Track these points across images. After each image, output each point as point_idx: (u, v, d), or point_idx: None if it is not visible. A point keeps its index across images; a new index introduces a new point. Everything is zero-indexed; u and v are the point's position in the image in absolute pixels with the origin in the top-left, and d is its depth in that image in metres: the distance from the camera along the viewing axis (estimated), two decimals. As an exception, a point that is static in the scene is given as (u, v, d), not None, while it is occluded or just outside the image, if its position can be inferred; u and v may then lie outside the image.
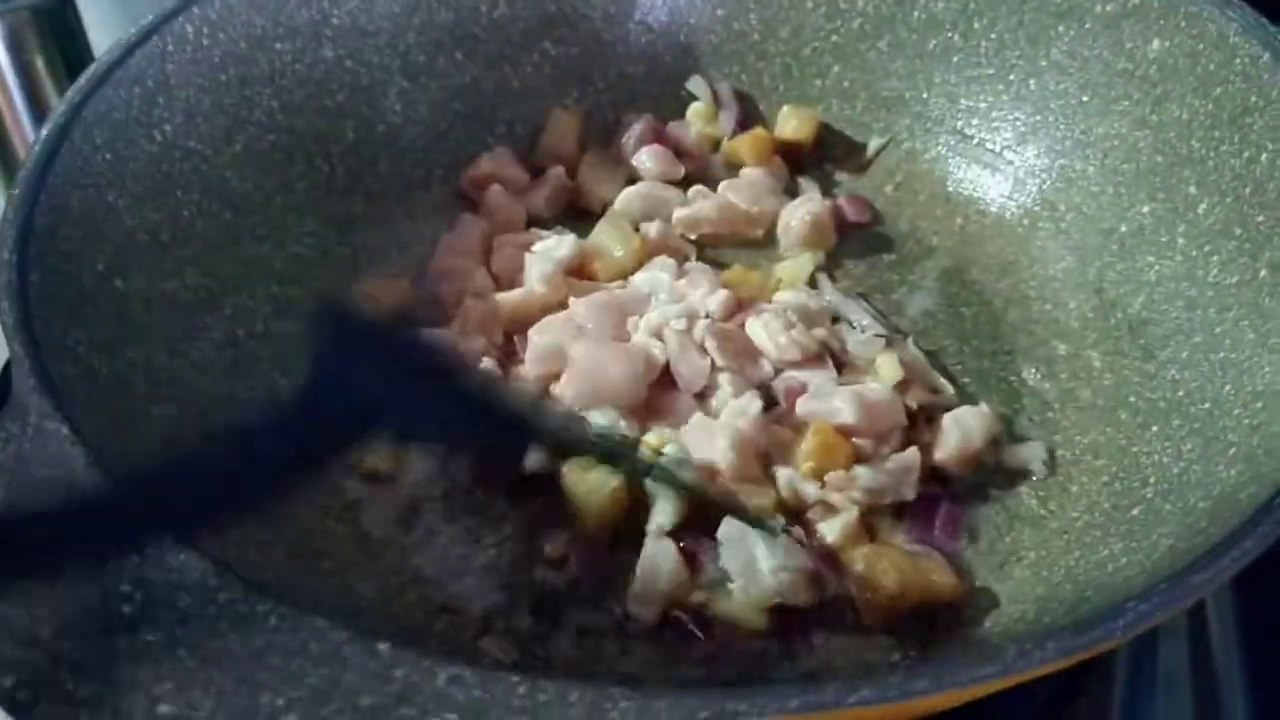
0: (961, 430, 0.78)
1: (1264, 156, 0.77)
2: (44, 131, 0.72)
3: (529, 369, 0.81)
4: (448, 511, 0.76)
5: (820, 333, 0.82)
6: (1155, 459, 0.75)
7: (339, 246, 0.89)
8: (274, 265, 0.84)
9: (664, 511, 0.73)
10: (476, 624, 0.70)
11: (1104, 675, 0.74)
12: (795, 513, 0.74)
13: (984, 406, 0.80)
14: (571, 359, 0.79)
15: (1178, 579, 0.52)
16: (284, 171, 0.87)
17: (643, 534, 0.73)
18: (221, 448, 0.68)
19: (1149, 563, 0.66)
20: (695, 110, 1.00)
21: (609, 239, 0.88)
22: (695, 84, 1.01)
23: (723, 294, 0.83)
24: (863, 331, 0.85)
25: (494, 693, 0.46)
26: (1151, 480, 0.73)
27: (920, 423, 0.79)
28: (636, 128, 0.98)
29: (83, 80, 0.76)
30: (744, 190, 0.94)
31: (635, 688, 0.46)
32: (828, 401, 0.77)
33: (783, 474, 0.75)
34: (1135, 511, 0.72)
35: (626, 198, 0.93)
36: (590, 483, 0.73)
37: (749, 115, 1.01)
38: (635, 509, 0.74)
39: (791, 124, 0.98)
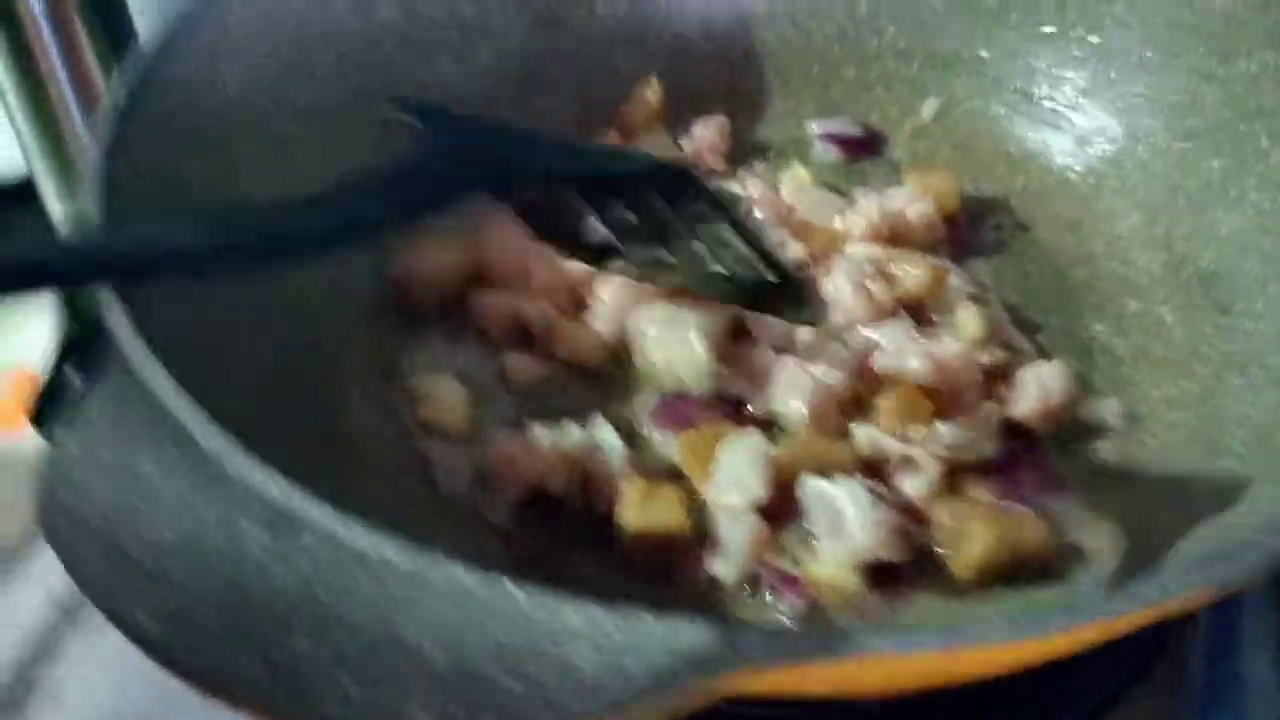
0: (1039, 385, 0.77)
1: (1338, 107, 0.77)
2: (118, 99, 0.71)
3: (599, 325, 0.80)
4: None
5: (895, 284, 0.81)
6: (1236, 410, 0.74)
7: (396, 209, 0.88)
8: (334, 226, 0.83)
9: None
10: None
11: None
12: (875, 471, 0.73)
13: (1059, 362, 0.79)
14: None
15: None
16: (341, 132, 0.86)
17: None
18: None
19: (1248, 515, 0.66)
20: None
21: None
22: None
23: (795, 248, 0.82)
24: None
25: (630, 634, 0.45)
26: (1237, 432, 0.73)
27: (997, 379, 0.78)
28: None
29: (149, 49, 0.75)
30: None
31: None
32: (902, 358, 0.76)
33: (861, 431, 0.74)
34: (1220, 463, 0.72)
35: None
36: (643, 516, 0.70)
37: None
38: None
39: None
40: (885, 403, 0.74)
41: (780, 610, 0.68)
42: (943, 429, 0.73)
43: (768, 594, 0.69)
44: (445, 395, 0.77)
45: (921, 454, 0.73)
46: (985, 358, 0.79)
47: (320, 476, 0.63)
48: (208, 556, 0.45)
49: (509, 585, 0.46)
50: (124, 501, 0.47)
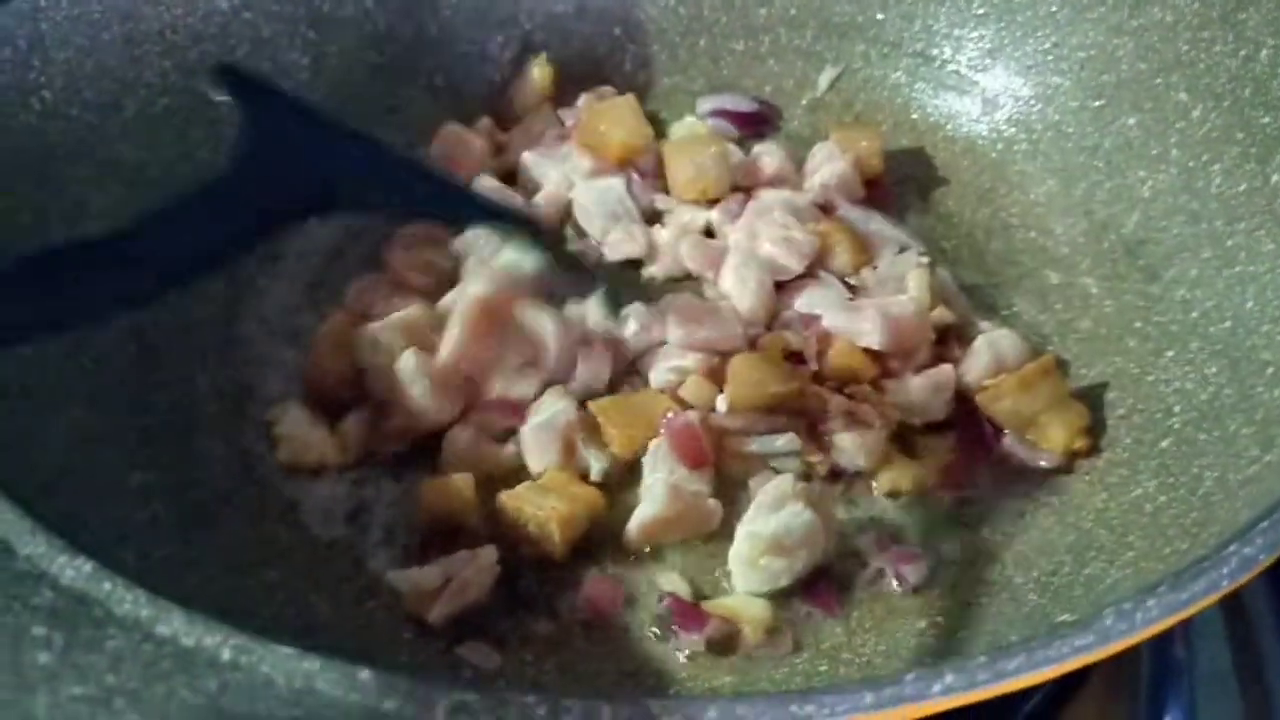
0: (994, 353, 0.72)
1: (1263, 54, 0.71)
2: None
3: None
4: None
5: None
6: (1176, 385, 0.68)
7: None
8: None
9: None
10: (450, 630, 0.62)
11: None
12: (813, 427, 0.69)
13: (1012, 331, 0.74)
14: None
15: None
16: (182, 139, 0.77)
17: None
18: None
19: (1194, 499, 0.60)
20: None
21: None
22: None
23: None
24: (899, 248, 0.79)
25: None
26: (1176, 409, 0.67)
27: (950, 343, 0.74)
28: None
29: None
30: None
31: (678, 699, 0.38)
32: (853, 319, 0.72)
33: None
34: (1164, 444, 0.66)
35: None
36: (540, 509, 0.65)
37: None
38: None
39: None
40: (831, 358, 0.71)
41: (679, 647, 0.62)
42: (894, 387, 0.70)
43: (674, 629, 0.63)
44: (303, 430, 0.69)
45: (868, 411, 0.68)
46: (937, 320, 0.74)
47: (165, 539, 0.56)
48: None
49: (359, 673, 0.39)
50: None
